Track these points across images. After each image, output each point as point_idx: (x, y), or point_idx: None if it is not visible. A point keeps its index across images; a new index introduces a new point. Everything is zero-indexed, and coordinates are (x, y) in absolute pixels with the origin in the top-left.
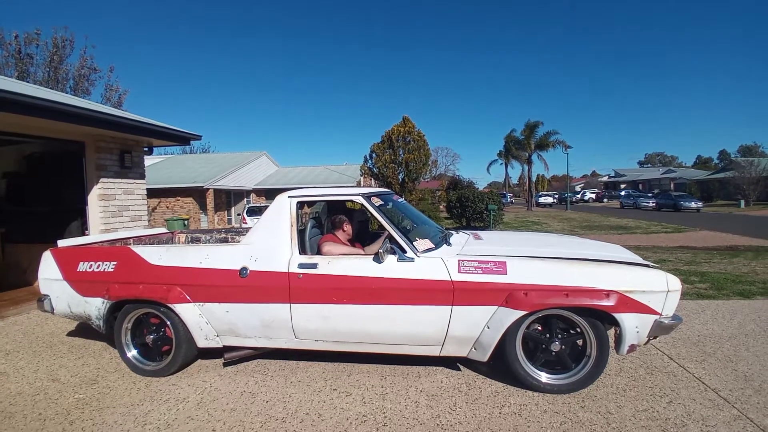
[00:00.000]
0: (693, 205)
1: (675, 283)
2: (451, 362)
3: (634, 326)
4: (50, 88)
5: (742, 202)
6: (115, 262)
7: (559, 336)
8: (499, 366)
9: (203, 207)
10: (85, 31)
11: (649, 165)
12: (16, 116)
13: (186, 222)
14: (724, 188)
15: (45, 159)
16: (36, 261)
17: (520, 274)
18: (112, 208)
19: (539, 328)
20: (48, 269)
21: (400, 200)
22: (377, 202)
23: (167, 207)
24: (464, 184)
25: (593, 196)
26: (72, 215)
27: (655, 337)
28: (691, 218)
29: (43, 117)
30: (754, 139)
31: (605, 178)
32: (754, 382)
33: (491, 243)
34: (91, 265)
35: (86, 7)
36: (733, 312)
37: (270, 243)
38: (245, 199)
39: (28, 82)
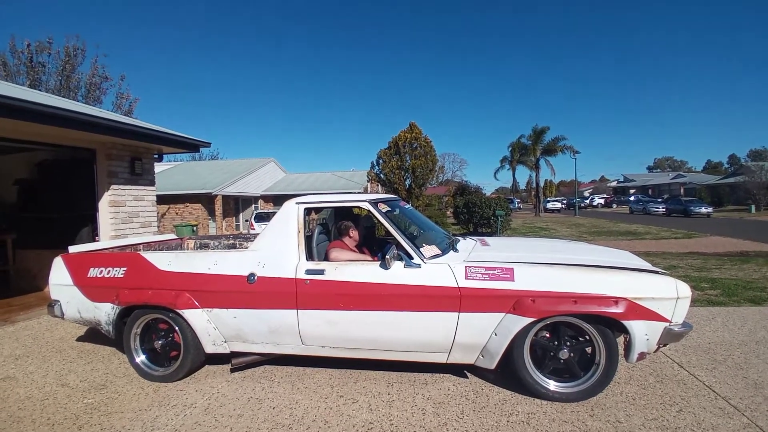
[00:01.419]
0: (703, 210)
1: (685, 289)
2: (458, 369)
3: (643, 334)
4: (62, 97)
5: (753, 207)
6: (124, 268)
7: (568, 343)
8: (506, 374)
9: (212, 213)
10: (96, 39)
11: (658, 170)
12: (28, 124)
13: (195, 228)
14: (734, 193)
15: (56, 166)
16: (46, 267)
17: (527, 280)
18: (122, 215)
19: (547, 335)
20: (59, 275)
21: (406, 206)
22: (384, 208)
23: (176, 213)
24: (471, 189)
25: (602, 201)
26: (83, 221)
27: (664, 345)
28: (701, 224)
29: (55, 125)
30: (763, 144)
31: (614, 184)
32: (765, 389)
33: (498, 249)
34: (102, 271)
35: (97, 15)
36: (743, 319)
37: (277, 249)
38: (253, 206)
39: (40, 90)
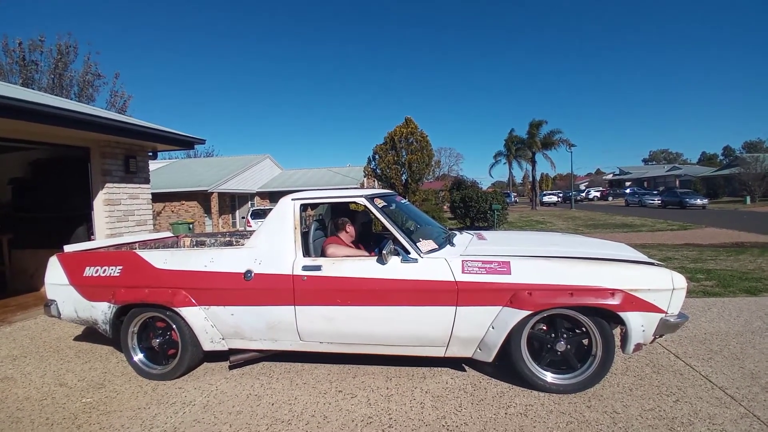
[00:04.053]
0: (698, 202)
1: (680, 280)
2: (456, 363)
3: (639, 325)
4: (55, 95)
5: (748, 199)
6: (120, 267)
7: (565, 336)
8: (504, 366)
9: (208, 210)
10: (89, 37)
11: (653, 162)
12: (22, 123)
13: (191, 226)
14: (729, 185)
15: (51, 165)
16: (42, 266)
17: (524, 273)
18: (117, 213)
19: (544, 327)
20: (54, 274)
21: (403, 201)
22: (380, 203)
23: (172, 211)
24: (468, 184)
25: (598, 194)
26: (78, 220)
27: (661, 336)
28: (696, 215)
29: (48, 123)
30: (758, 135)
31: (610, 176)
32: (761, 379)
33: (495, 243)
34: (98, 270)
35: (89, 12)
36: (739, 309)
37: (274, 246)
38: (249, 202)
39: (32, 89)
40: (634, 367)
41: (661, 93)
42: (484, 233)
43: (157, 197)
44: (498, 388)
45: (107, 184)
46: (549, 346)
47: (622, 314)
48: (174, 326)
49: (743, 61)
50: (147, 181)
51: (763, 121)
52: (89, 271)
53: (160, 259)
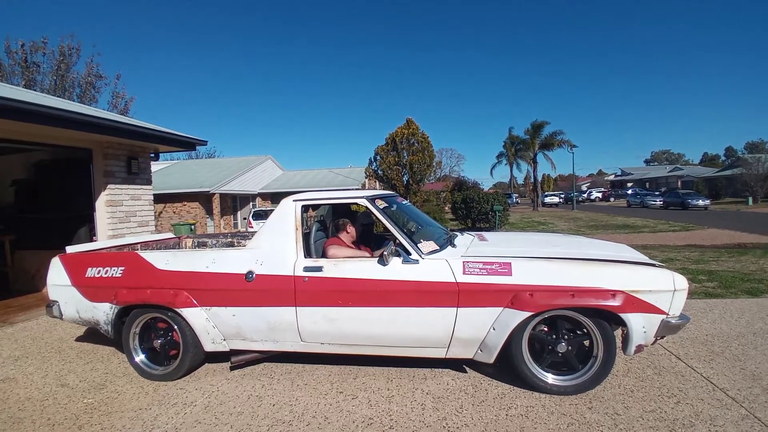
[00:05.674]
0: (700, 203)
1: (682, 282)
2: (457, 364)
3: (641, 326)
4: (57, 96)
5: (750, 200)
6: (122, 268)
7: (566, 337)
8: (505, 368)
9: (209, 211)
10: (91, 38)
11: (655, 163)
12: (24, 124)
13: (192, 227)
14: (731, 185)
15: (53, 166)
16: (44, 267)
17: (525, 274)
18: (119, 214)
19: (545, 329)
20: (56, 275)
21: (404, 202)
22: (381, 204)
23: (174, 212)
24: (469, 185)
25: (600, 195)
26: (80, 221)
27: (662, 337)
28: (698, 216)
29: (51, 125)
30: (760, 136)
31: (612, 177)
32: (763, 381)
33: (496, 244)
34: (99, 271)
35: (92, 14)
36: (741, 310)
37: (275, 247)
38: (251, 203)
39: (35, 90)
40: (635, 368)
41: (663, 93)
42: (486, 234)
43: (159, 198)
44: (499, 389)
45: (109, 185)
46: (550, 347)
47: (623, 315)
48: (175, 327)
49: (745, 62)
50: (149, 182)
51: (765, 121)
52: (91, 272)
53: (161, 260)
